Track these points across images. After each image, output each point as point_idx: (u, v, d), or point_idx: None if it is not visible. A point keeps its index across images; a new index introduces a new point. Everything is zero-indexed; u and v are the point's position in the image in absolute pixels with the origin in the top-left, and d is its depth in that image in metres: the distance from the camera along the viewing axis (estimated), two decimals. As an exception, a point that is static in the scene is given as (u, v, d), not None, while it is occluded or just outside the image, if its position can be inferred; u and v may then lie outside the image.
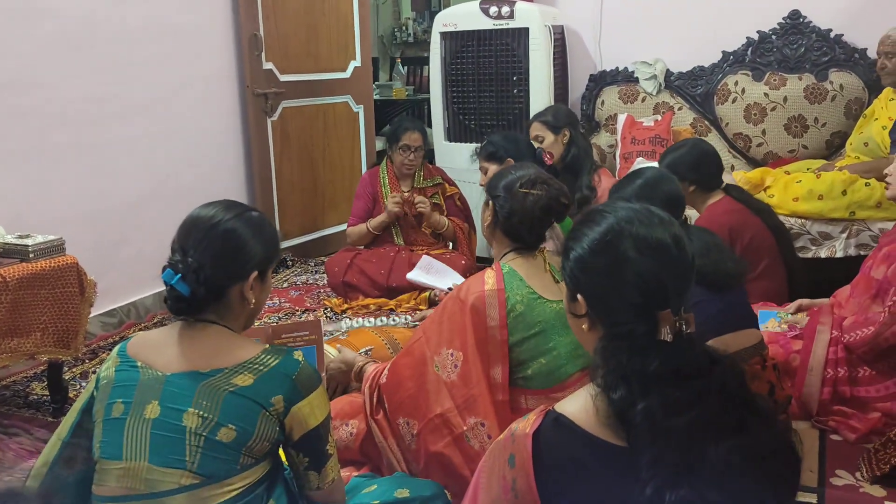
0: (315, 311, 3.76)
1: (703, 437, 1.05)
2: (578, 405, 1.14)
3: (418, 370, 2.00)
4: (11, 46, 3.06)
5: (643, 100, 4.40)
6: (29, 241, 2.61)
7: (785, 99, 4.01)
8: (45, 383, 2.84)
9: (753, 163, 4.15)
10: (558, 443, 1.12)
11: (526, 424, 1.16)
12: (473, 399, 1.90)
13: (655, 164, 3.77)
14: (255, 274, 1.51)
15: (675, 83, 4.38)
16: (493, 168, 3.09)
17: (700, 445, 1.05)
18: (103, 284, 2.88)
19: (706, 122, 4.29)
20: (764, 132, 4.08)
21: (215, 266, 1.46)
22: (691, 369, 1.08)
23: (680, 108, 4.33)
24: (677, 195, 2.35)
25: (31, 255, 2.58)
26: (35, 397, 2.87)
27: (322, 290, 4.07)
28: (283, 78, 4.45)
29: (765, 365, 2.22)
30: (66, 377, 2.90)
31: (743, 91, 4.13)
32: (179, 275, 1.44)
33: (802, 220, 3.40)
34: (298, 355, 1.51)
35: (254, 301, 1.52)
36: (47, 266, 2.58)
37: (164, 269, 1.47)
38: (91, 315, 2.81)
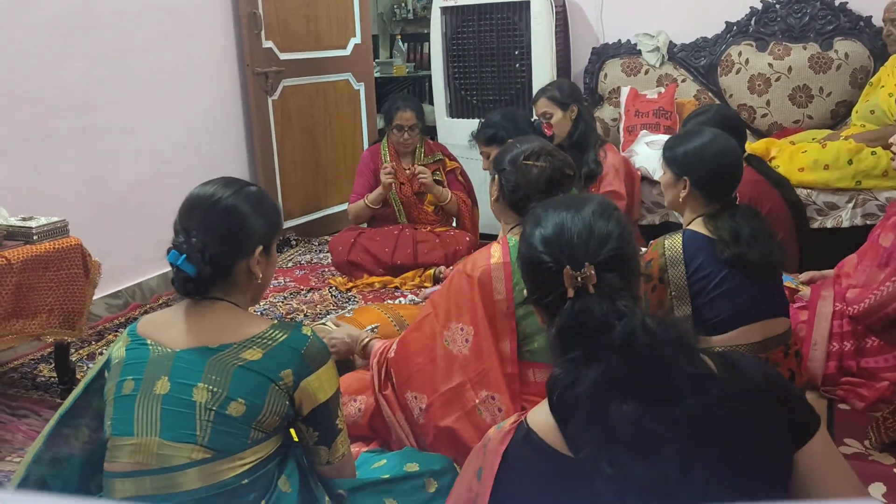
0: (320, 289, 3.76)
1: (613, 399, 1.04)
2: (548, 416, 1.13)
3: (427, 345, 2.00)
4: (9, 31, 3.03)
5: (646, 72, 4.36)
6: (32, 224, 2.60)
7: (789, 69, 3.97)
8: (53, 365, 2.84)
9: (758, 134, 4.12)
10: (524, 464, 1.12)
11: (498, 437, 1.16)
12: (485, 372, 1.91)
13: (663, 136, 3.75)
14: (259, 248, 1.51)
15: (678, 55, 4.34)
16: (494, 151, 3.05)
17: (611, 410, 1.04)
18: (108, 266, 2.88)
19: (710, 94, 4.25)
20: (768, 103, 4.05)
21: (219, 244, 1.46)
22: (596, 324, 1.10)
23: (683, 80, 4.29)
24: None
25: (34, 237, 2.57)
26: (43, 379, 2.88)
27: (327, 270, 4.07)
28: (283, 56, 4.42)
29: (787, 352, 2.20)
30: (73, 359, 2.90)
31: (747, 62, 4.09)
32: (184, 255, 1.43)
33: (808, 191, 3.38)
34: (307, 330, 1.51)
35: (261, 275, 1.52)
36: (51, 248, 2.58)
37: (168, 250, 1.47)
38: (96, 297, 2.81)
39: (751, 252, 2.06)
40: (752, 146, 3.61)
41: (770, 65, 4.02)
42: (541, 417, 1.13)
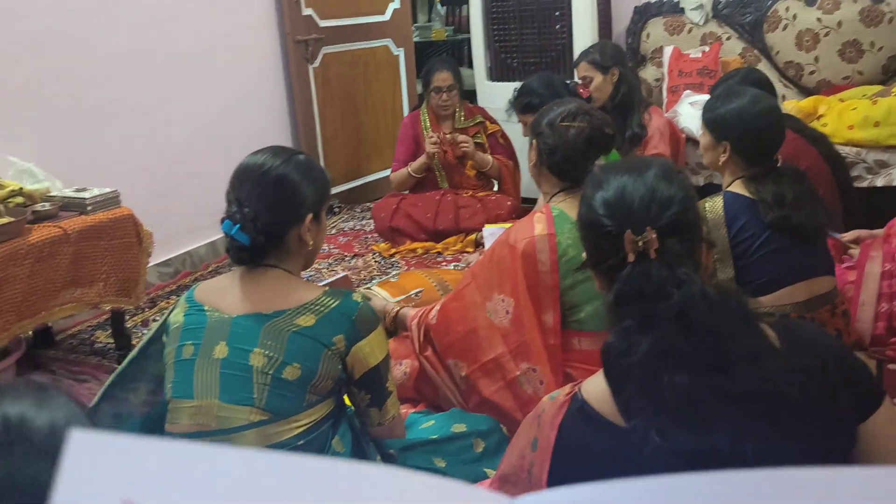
0: (363, 256, 3.81)
1: (666, 369, 1.02)
2: (603, 385, 1.11)
3: (469, 314, 2.02)
4: (53, 3, 3.09)
5: (690, 31, 4.28)
6: (86, 195, 2.68)
7: (839, 23, 3.86)
8: (109, 332, 2.95)
9: (806, 91, 4.02)
10: (580, 436, 1.11)
11: (553, 409, 1.15)
12: (525, 345, 1.92)
13: (707, 96, 3.68)
14: (310, 216, 1.53)
15: (722, 12, 4.24)
16: (531, 119, 2.98)
17: (664, 380, 1.02)
18: (158, 235, 2.95)
19: (756, 52, 4.16)
20: (816, 59, 3.95)
21: (271, 213, 1.49)
22: (654, 291, 1.07)
23: (728, 38, 4.20)
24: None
25: (88, 208, 2.65)
26: (100, 345, 2.98)
27: (369, 236, 4.11)
28: (323, 23, 4.43)
29: (834, 312, 2.17)
30: (129, 325, 3.00)
31: (794, 17, 3.99)
32: (238, 225, 1.47)
33: (858, 149, 3.30)
34: (357, 297, 1.54)
35: (311, 242, 1.55)
36: (105, 218, 2.66)
37: (222, 220, 1.50)
38: (148, 265, 2.89)
39: (795, 215, 2.02)
40: (800, 104, 3.53)
41: (819, 20, 3.91)
42: (595, 388, 1.12)
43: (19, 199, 2.59)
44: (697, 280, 1.08)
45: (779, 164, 2.14)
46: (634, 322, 1.07)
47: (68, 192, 2.72)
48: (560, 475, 1.11)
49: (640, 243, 1.09)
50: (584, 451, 1.11)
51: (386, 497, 0.42)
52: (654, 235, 1.09)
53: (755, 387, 1.03)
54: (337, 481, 0.41)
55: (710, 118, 2.16)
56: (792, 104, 3.54)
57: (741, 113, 2.08)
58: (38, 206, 2.61)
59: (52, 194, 2.72)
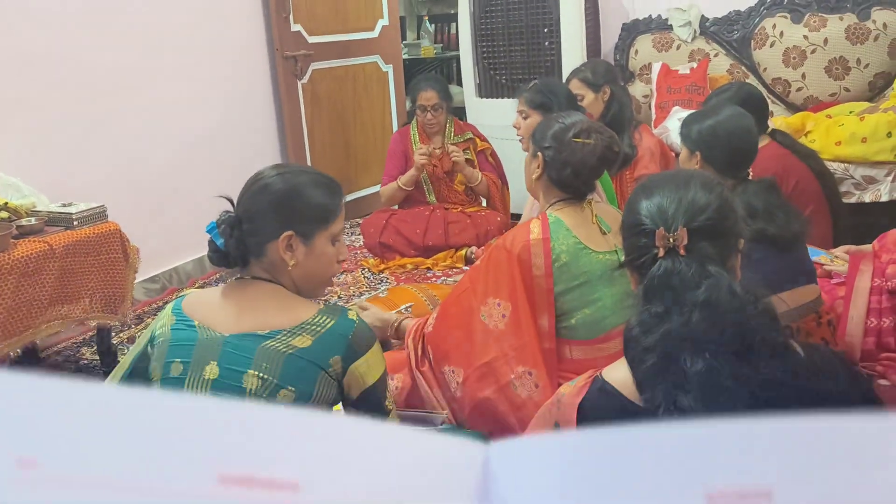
0: (353, 271, 3.79)
1: (686, 350, 1.08)
2: (624, 371, 1.17)
3: (465, 319, 2.01)
4: (43, 18, 3.07)
5: (678, 47, 4.31)
6: (72, 209, 2.65)
7: (825, 41, 3.90)
8: (95, 348, 2.90)
9: (793, 108, 4.05)
10: (603, 414, 1.15)
11: (573, 391, 1.19)
12: (522, 348, 1.92)
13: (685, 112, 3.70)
14: (288, 234, 1.45)
15: (710, 29, 4.27)
16: (535, 116, 2.91)
17: (679, 358, 1.08)
18: (144, 251, 2.92)
19: (743, 68, 4.19)
20: (804, 76, 3.98)
21: (250, 221, 1.46)
22: (682, 283, 1.13)
23: (716, 55, 4.23)
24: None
25: (74, 223, 2.62)
26: (86, 362, 2.94)
27: (359, 252, 4.09)
28: (312, 40, 4.43)
29: (819, 321, 2.18)
30: (115, 342, 2.96)
31: (781, 34, 4.02)
32: (216, 226, 1.46)
33: (846, 165, 3.33)
34: (353, 315, 1.50)
35: (293, 263, 1.47)
36: (91, 233, 2.63)
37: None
38: (135, 281, 2.86)
39: (769, 226, 2.06)
40: (787, 120, 3.55)
41: (805, 37, 3.94)
42: (618, 373, 1.18)
43: (4, 214, 2.56)
44: (726, 277, 1.14)
45: (749, 178, 2.19)
46: (661, 308, 1.13)
47: (54, 208, 2.69)
48: None
49: (671, 239, 1.16)
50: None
51: (344, 447, 0.36)
52: (685, 234, 1.16)
53: (774, 377, 1.08)
54: (278, 428, 0.36)
55: (686, 132, 2.26)
56: (780, 120, 3.55)
57: (715, 126, 2.18)
58: (24, 221, 2.58)
59: (37, 209, 2.69)
